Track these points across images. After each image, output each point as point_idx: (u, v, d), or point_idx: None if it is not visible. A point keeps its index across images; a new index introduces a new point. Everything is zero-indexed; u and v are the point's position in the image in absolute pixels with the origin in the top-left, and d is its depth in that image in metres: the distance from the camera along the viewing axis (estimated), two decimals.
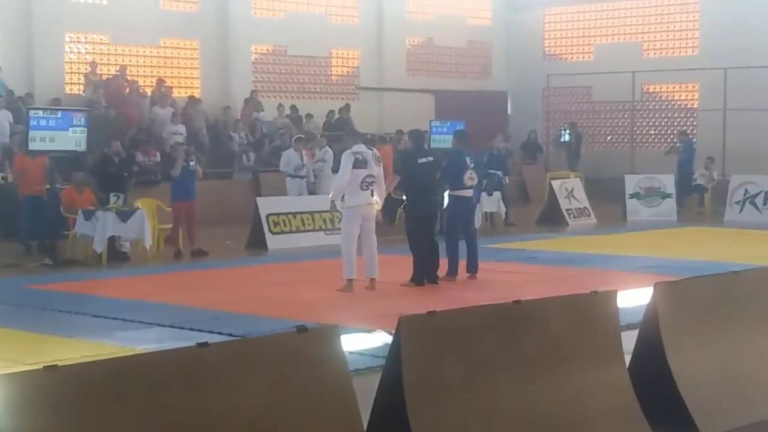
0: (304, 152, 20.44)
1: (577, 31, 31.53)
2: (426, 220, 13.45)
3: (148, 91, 24.18)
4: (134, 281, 14.32)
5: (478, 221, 20.19)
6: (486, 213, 20.99)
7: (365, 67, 29.03)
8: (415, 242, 13.36)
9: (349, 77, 29.02)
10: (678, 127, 29.52)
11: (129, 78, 23.87)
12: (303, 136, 21.65)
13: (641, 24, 30.28)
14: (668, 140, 29.90)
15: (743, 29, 27.29)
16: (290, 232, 18.23)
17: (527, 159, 29.42)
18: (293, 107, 25.92)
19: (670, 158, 26.66)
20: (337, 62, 28.83)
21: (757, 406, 7.27)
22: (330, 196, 13.26)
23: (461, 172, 13.70)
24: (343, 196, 12.86)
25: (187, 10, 25.65)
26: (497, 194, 21.03)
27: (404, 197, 13.82)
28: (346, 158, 12.89)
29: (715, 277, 8.01)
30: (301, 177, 20.15)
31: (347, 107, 26.51)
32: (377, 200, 13.02)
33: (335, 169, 16.38)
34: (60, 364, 4.62)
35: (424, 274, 13.27)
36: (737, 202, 22.80)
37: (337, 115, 25.95)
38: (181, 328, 10.54)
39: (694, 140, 28.27)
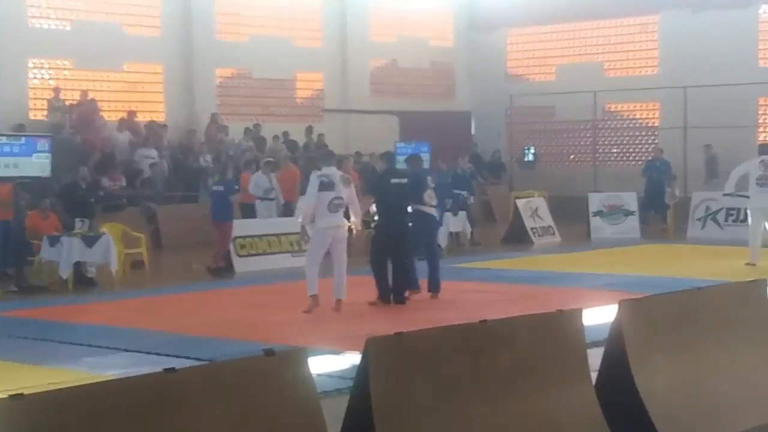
0: (273, 175, 20.44)
1: (539, 52, 31.78)
2: (394, 239, 13.51)
3: (112, 116, 24.13)
4: (101, 307, 14.26)
5: (443, 241, 20.34)
6: (451, 233, 21.06)
7: (330, 89, 29.12)
8: (378, 260, 13.45)
9: (313, 99, 29.10)
10: (640, 146, 29.81)
11: (92, 102, 23.80)
12: (272, 159, 21.67)
13: (602, 44, 30.58)
14: (632, 158, 30.16)
15: (701, 48, 27.63)
16: (257, 254, 18.23)
17: (492, 178, 29.63)
18: (256, 127, 25.92)
19: (633, 176, 26.90)
20: (301, 85, 28.90)
21: (722, 422, 7.34)
22: (299, 220, 13.32)
23: (421, 190, 13.85)
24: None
25: (151, 34, 25.64)
26: (462, 214, 21.12)
27: (375, 217, 13.94)
28: (312, 181, 12.98)
29: (678, 294, 8.08)
30: (271, 199, 20.14)
31: (310, 129, 26.62)
32: (354, 221, 13.11)
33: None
34: (26, 392, 4.59)
35: (389, 292, 13.32)
36: (699, 219, 23.01)
37: (305, 138, 26.12)
38: (149, 353, 10.49)
39: (650, 158, 28.54)
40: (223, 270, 17.42)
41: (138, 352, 10.61)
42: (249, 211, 19.75)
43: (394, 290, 13.49)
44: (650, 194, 24.50)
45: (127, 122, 23.88)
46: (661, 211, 24.41)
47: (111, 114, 24.41)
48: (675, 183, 25.15)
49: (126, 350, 10.76)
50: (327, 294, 12.98)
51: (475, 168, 26.62)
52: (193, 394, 5.07)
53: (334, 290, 13.06)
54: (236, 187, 18.60)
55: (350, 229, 13.15)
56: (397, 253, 13.48)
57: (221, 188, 18.04)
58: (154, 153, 22.90)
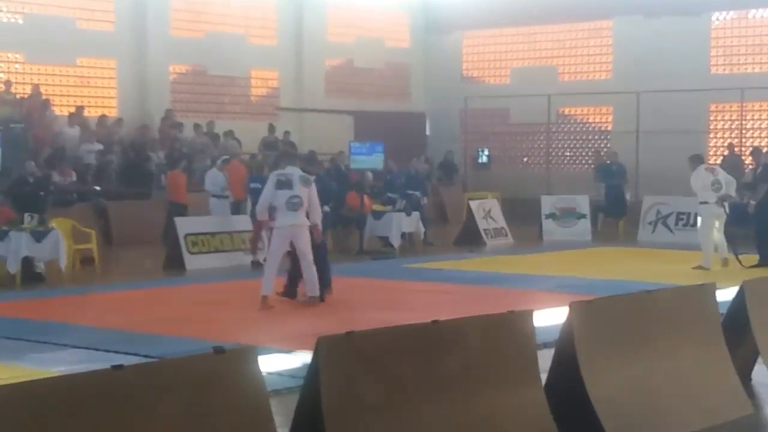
0: (227, 172, 20.30)
1: (495, 55, 31.92)
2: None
3: (64, 111, 23.89)
4: (49, 302, 14.10)
5: (396, 241, 20.38)
6: (405, 233, 21.10)
7: (285, 87, 29.04)
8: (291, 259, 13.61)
9: (268, 98, 29.00)
10: (593, 149, 30.02)
11: (44, 97, 23.56)
12: (228, 156, 21.57)
13: (557, 48, 30.77)
14: (585, 162, 30.37)
15: (655, 54, 27.90)
16: (209, 252, 18.12)
17: (444, 179, 29.72)
18: (210, 124, 25.81)
19: (585, 179, 27.09)
20: (256, 83, 28.80)
21: (670, 424, 7.40)
22: (258, 217, 13.37)
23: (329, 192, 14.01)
24: None
25: (104, 29, 25.42)
26: (416, 214, 21.15)
27: None
28: (270, 179, 13.02)
29: (628, 297, 8.14)
30: (225, 197, 20.00)
31: (272, 127, 26.55)
32: (315, 222, 13.11)
33: None
34: None
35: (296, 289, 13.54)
36: (650, 223, 23.20)
37: (265, 135, 26.09)
38: (97, 349, 10.40)
39: (608, 161, 28.76)
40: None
41: (86, 348, 10.51)
42: (179, 211, 19.49)
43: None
44: (610, 198, 24.60)
45: (78, 117, 23.62)
46: (620, 216, 24.51)
47: (63, 108, 24.16)
48: (626, 186, 25.33)
49: (74, 347, 10.64)
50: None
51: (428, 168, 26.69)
52: (140, 392, 5.02)
53: (307, 288, 13.16)
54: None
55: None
56: (314, 252, 13.41)
57: (258, 185, 17.80)
58: (98, 146, 22.68)
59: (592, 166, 28.15)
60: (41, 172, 18.94)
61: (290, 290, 13.59)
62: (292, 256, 13.36)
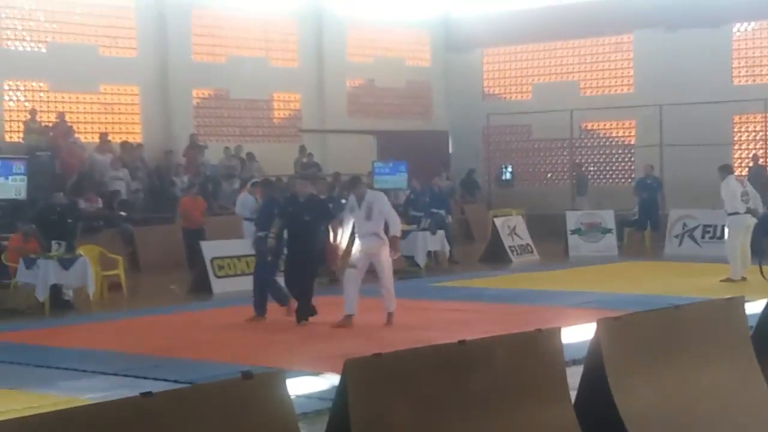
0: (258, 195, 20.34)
1: (516, 71, 31.94)
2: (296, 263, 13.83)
3: (89, 138, 24.07)
4: (78, 329, 14.16)
5: (421, 260, 20.35)
6: (430, 251, 21.07)
7: (307, 109, 29.15)
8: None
9: (291, 120, 29.12)
10: (617, 163, 29.98)
11: (69, 124, 23.75)
12: (258, 180, 21.64)
13: (578, 63, 30.76)
14: (609, 176, 30.31)
15: (676, 67, 27.85)
16: (235, 275, 18.12)
17: (467, 196, 29.75)
18: (238, 148, 25.98)
19: (610, 194, 27.04)
20: (278, 105, 28.92)
21: None
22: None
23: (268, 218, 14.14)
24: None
25: (127, 56, 25.62)
26: (441, 233, 21.12)
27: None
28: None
29: (656, 312, 8.09)
30: None
31: (303, 149, 26.72)
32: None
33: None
34: (1, 417, 4.55)
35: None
36: (676, 236, 23.10)
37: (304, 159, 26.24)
38: (126, 375, 10.44)
39: (633, 175, 28.72)
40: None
41: (115, 375, 10.55)
42: (194, 237, 19.53)
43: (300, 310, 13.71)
44: (644, 211, 24.54)
45: (104, 144, 23.79)
46: (656, 228, 24.40)
47: (87, 135, 24.34)
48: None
49: (103, 373, 10.68)
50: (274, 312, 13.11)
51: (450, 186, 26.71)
52: (170, 419, 5.02)
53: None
54: (343, 201, 18.94)
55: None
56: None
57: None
58: (125, 174, 22.82)
59: (619, 180, 28.13)
60: (67, 200, 19.06)
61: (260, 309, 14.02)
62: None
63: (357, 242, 13.56)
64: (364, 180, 14.80)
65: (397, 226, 13.72)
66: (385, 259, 13.60)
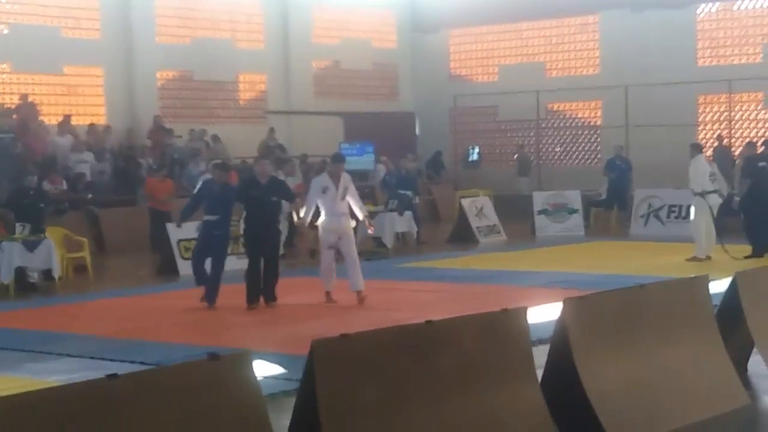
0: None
1: (482, 52, 31.94)
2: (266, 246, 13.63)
3: (53, 120, 23.86)
4: (43, 312, 14.07)
5: (389, 241, 20.37)
6: (398, 233, 21.10)
7: (273, 91, 29.02)
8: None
9: (256, 101, 28.98)
10: (583, 144, 30.10)
11: (29, 106, 23.51)
12: (220, 161, 21.52)
13: (543, 44, 30.79)
14: (575, 157, 30.42)
15: (642, 48, 27.95)
16: None
17: (434, 177, 29.80)
18: (202, 130, 25.84)
19: (576, 175, 27.16)
20: (244, 87, 28.78)
21: (667, 416, 7.42)
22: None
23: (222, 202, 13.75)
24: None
25: (90, 37, 25.38)
26: (408, 214, 21.14)
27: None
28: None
29: (622, 291, 8.16)
30: None
31: (272, 131, 26.61)
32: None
33: None
34: None
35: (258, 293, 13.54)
36: (642, 216, 23.23)
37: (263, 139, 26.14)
38: (92, 358, 10.39)
39: (599, 156, 28.86)
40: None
41: (81, 357, 10.49)
42: (161, 219, 19.41)
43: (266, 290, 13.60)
44: (612, 192, 24.66)
45: (66, 125, 23.59)
46: (624, 209, 24.51)
47: (51, 117, 24.12)
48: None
49: (69, 356, 10.62)
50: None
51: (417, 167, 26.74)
52: (136, 400, 5.01)
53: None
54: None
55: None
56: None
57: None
58: (89, 157, 22.65)
59: (584, 161, 28.28)
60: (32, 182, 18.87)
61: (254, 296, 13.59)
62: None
63: (326, 221, 13.55)
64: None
65: (363, 207, 14.12)
66: (353, 238, 13.86)
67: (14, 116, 22.92)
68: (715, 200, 17.45)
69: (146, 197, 21.05)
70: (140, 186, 22.52)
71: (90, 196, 21.64)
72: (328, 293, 13.78)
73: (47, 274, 16.01)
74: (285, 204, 14.67)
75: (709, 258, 17.16)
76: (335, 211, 13.50)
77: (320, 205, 13.65)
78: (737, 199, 18.42)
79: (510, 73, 30.72)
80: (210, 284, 13.63)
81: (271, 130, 26.79)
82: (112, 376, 4.97)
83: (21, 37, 23.77)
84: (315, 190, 13.73)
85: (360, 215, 13.92)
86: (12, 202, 17.31)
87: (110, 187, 22.85)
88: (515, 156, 29.77)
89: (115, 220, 21.52)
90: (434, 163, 30.48)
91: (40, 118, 23.52)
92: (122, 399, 4.97)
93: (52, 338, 11.71)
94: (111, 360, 10.10)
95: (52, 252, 15.78)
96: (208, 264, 13.84)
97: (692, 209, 17.82)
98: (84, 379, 5.21)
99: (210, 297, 13.55)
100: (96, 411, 4.87)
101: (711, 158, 18.40)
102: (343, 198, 13.58)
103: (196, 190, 14.24)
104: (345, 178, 13.75)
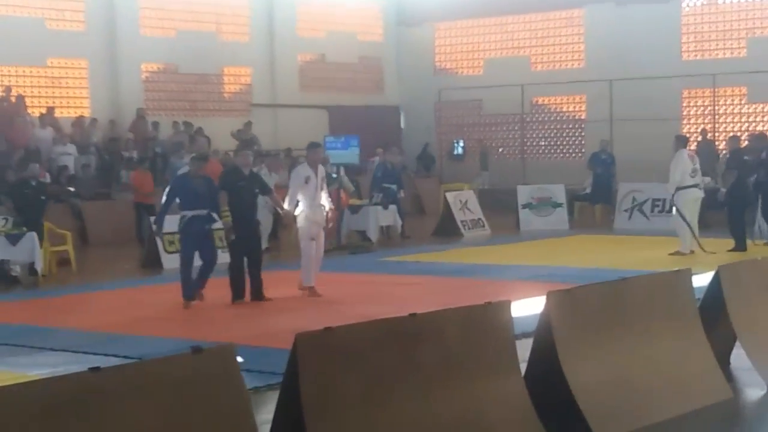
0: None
1: (467, 46, 31.92)
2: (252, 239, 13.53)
3: (36, 111, 23.76)
4: (26, 305, 14.03)
5: (374, 234, 20.37)
6: (382, 226, 21.10)
7: (258, 84, 28.96)
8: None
9: (241, 94, 28.90)
10: (567, 138, 30.14)
11: (13, 98, 23.40)
12: (197, 154, 21.44)
13: (529, 38, 30.79)
14: (560, 151, 30.46)
15: (627, 42, 27.99)
16: None
17: (423, 171, 29.79)
18: (187, 124, 25.76)
19: (561, 168, 27.21)
20: (229, 80, 28.70)
21: (650, 410, 7.44)
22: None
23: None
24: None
25: (74, 29, 25.27)
26: (393, 207, 21.15)
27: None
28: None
29: (605, 285, 8.17)
30: None
31: (249, 124, 26.53)
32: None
33: None
34: None
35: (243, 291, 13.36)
36: (626, 210, 23.27)
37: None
38: (76, 351, 10.36)
39: (584, 150, 28.91)
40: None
41: (64, 351, 10.47)
42: (143, 211, 19.34)
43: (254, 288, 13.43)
44: (597, 186, 24.69)
45: (49, 118, 23.50)
46: (608, 203, 24.55)
47: (34, 110, 24.03)
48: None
49: (52, 349, 10.60)
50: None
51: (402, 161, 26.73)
52: (119, 393, 5.00)
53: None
54: (334, 175, 19.58)
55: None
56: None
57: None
58: (72, 149, 22.57)
59: (569, 155, 28.33)
60: (15, 175, 18.79)
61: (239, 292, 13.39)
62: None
63: (309, 213, 13.46)
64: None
65: (329, 200, 14.06)
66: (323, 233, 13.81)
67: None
68: (697, 194, 17.46)
69: (131, 190, 20.97)
70: (123, 179, 22.46)
71: (72, 189, 21.55)
72: (310, 288, 13.61)
73: (30, 267, 15.94)
74: (262, 198, 14.38)
75: (693, 252, 17.21)
76: (315, 203, 13.43)
77: (302, 196, 13.46)
78: (723, 190, 18.44)
79: (495, 67, 30.73)
80: (199, 279, 13.29)
81: (248, 123, 26.64)
82: (95, 370, 4.96)
83: (4, 29, 23.64)
84: (297, 180, 13.54)
85: (327, 207, 13.77)
86: (13, 193, 17.11)
87: (94, 180, 22.77)
88: (479, 150, 29.84)
89: (99, 213, 21.46)
90: (424, 157, 30.45)
91: (26, 110, 23.41)
92: (105, 392, 4.96)
93: (35, 332, 11.67)
94: (94, 354, 10.06)
95: (35, 245, 15.71)
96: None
97: (675, 203, 17.81)
98: (67, 372, 5.19)
99: (187, 292, 13.19)
100: (79, 404, 4.86)
101: (694, 152, 18.40)
102: (322, 188, 13.52)
103: (167, 191, 13.54)
104: (321, 169, 13.69)
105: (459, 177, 28.85)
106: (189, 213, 13.11)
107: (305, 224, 13.52)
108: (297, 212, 13.52)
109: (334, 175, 20.21)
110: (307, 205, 13.41)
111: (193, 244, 13.27)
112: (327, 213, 13.81)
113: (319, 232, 13.63)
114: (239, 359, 5.63)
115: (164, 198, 13.48)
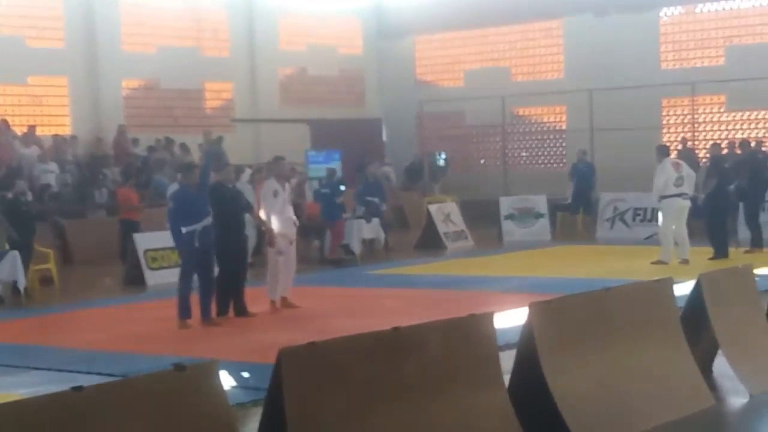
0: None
1: (447, 58, 32.00)
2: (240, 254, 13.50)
3: (18, 130, 23.70)
4: (8, 324, 13.96)
5: (357, 247, 20.37)
6: (365, 239, 21.10)
7: (239, 98, 28.97)
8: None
9: (223, 109, 28.90)
10: (548, 149, 30.25)
11: (3, 119, 23.35)
12: (185, 163, 21.40)
13: (508, 49, 30.90)
14: (541, 161, 30.55)
15: (606, 52, 28.11)
16: (170, 267, 17.92)
17: (412, 183, 29.67)
18: (168, 139, 25.70)
19: (542, 179, 27.28)
20: (210, 95, 28.70)
21: (633, 419, 7.47)
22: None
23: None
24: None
25: (54, 46, 25.24)
26: (376, 221, 21.16)
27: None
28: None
29: (587, 295, 8.20)
30: None
31: (220, 138, 26.38)
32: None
33: None
34: None
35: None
36: (607, 219, 23.36)
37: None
38: (59, 370, 10.33)
39: (565, 160, 29.01)
40: (339, 261, 19.53)
41: (48, 369, 10.43)
42: (129, 228, 19.27)
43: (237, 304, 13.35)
44: (577, 196, 24.75)
45: (31, 136, 23.44)
46: (589, 213, 24.57)
47: (16, 128, 23.95)
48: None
49: (35, 368, 10.56)
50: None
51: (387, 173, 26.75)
52: (102, 412, 4.99)
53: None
54: (342, 188, 20.17)
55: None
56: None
57: (327, 191, 19.70)
58: (54, 167, 22.51)
59: (550, 166, 28.42)
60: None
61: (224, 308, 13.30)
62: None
63: (279, 226, 13.43)
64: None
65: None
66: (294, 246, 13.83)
67: None
68: (682, 203, 17.37)
69: (119, 207, 20.84)
70: (104, 197, 22.41)
71: (54, 206, 21.47)
72: (273, 302, 13.62)
73: (13, 286, 15.88)
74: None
75: (686, 262, 17.10)
76: (285, 216, 13.44)
77: (270, 210, 13.43)
78: (702, 196, 18.48)
79: (475, 78, 30.82)
80: (207, 299, 12.94)
81: (219, 138, 26.16)
82: (78, 389, 4.95)
83: None
84: (267, 193, 13.53)
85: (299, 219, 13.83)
86: (10, 211, 16.98)
87: (74, 198, 22.70)
88: (432, 161, 30.17)
89: (82, 230, 21.38)
90: (412, 170, 30.23)
91: (11, 129, 23.36)
92: (88, 411, 4.95)
93: (18, 351, 11.63)
94: (77, 372, 10.04)
95: (17, 264, 15.65)
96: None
97: (660, 213, 17.82)
98: (50, 391, 5.18)
99: (184, 311, 12.93)
100: (62, 424, 4.85)
101: (681, 162, 18.30)
102: (291, 202, 13.54)
103: (170, 211, 13.05)
104: (290, 183, 13.77)
105: (441, 189, 28.88)
106: (198, 225, 12.65)
107: (274, 238, 13.48)
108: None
109: (342, 187, 20.35)
110: (277, 220, 13.39)
111: (198, 260, 12.77)
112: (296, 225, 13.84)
113: (288, 246, 13.61)
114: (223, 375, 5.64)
115: (171, 221, 12.92)
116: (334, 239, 19.94)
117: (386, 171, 27.62)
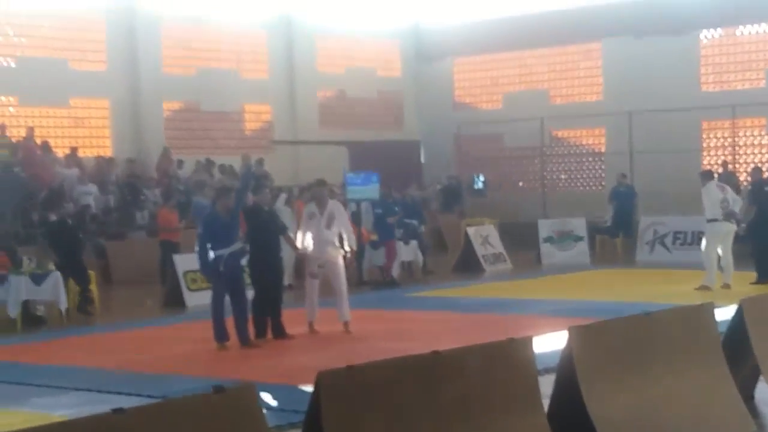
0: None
1: (486, 80, 32.05)
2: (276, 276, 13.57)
3: (60, 152, 23.96)
4: (50, 345, 14.08)
5: (395, 270, 20.36)
6: (403, 262, 21.09)
7: (278, 120, 29.13)
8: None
9: (262, 131, 29.08)
10: (587, 171, 30.14)
11: (38, 139, 23.60)
12: (221, 186, 21.51)
13: (547, 72, 30.89)
14: (580, 184, 30.44)
15: (644, 74, 28.03)
16: (209, 288, 17.93)
17: (452, 206, 29.57)
18: (208, 161, 25.89)
19: (581, 202, 27.16)
20: (250, 117, 28.90)
21: None
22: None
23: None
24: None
25: (97, 69, 25.53)
26: (414, 243, 21.15)
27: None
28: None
29: (627, 319, 8.14)
30: None
31: (261, 161, 26.52)
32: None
33: None
34: None
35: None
36: (647, 243, 23.19)
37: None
38: (99, 391, 10.39)
39: (604, 183, 28.89)
40: (391, 282, 19.71)
41: (88, 390, 10.50)
42: (169, 249, 19.39)
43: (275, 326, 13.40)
44: (617, 219, 24.61)
45: (73, 158, 23.70)
46: (629, 236, 24.42)
47: (58, 150, 24.23)
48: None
49: (76, 389, 10.63)
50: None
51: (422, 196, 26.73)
52: None
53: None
54: (396, 209, 20.47)
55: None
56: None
57: (380, 211, 19.99)
58: (93, 188, 22.73)
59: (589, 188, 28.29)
60: (39, 214, 18.92)
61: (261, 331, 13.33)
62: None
63: (312, 249, 13.52)
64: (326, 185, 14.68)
65: (353, 239, 13.94)
66: (341, 267, 13.73)
67: (20, 150, 22.99)
68: (728, 227, 17.17)
69: (159, 228, 21.03)
70: (145, 218, 22.60)
71: (94, 227, 21.68)
72: (311, 324, 13.73)
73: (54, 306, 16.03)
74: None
75: (728, 287, 16.91)
76: (320, 239, 13.48)
77: (304, 233, 13.59)
78: (743, 225, 18.30)
79: (514, 101, 30.82)
80: (243, 322, 12.89)
81: (261, 159, 26.38)
82: (118, 411, 4.98)
83: (28, 69, 23.95)
84: (304, 216, 13.78)
85: (345, 245, 13.71)
86: (51, 235, 17.15)
87: (114, 219, 22.92)
88: (438, 187, 29.97)
89: (122, 251, 21.56)
90: (449, 192, 30.08)
91: (52, 150, 23.63)
92: None
93: (60, 372, 11.71)
94: (117, 393, 10.08)
95: (59, 285, 15.79)
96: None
97: (705, 236, 17.61)
98: (90, 413, 5.22)
99: (220, 334, 12.91)
100: None
101: (725, 185, 18.01)
102: (329, 226, 13.53)
103: (200, 235, 12.96)
104: (333, 205, 13.75)
105: (480, 211, 28.81)
106: (226, 251, 12.66)
107: (307, 261, 13.65)
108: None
109: (396, 208, 20.40)
110: (312, 243, 13.51)
111: (227, 284, 12.77)
112: (346, 253, 13.80)
113: (323, 269, 13.64)
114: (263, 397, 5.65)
115: (199, 245, 12.90)
116: (388, 259, 20.10)
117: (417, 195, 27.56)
